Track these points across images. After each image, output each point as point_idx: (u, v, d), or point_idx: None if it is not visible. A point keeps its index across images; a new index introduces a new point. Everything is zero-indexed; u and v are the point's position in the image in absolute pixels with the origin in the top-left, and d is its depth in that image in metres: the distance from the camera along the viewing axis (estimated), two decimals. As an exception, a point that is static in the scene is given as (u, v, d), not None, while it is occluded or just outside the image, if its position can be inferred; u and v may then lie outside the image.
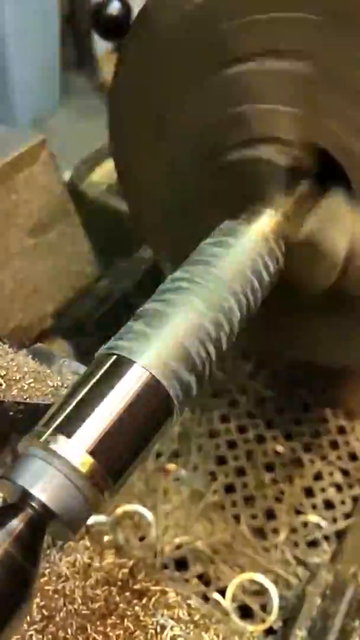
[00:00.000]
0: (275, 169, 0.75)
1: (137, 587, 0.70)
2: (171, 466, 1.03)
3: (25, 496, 0.48)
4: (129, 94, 0.82)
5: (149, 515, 0.94)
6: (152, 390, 0.55)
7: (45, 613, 0.66)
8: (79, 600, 0.67)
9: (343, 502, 1.00)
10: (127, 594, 0.69)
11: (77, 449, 0.50)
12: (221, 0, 0.70)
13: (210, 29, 0.71)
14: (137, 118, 0.83)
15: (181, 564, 0.91)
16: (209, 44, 0.72)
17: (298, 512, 0.99)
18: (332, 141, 0.70)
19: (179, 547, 0.92)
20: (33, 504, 0.48)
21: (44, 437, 0.51)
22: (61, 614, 0.66)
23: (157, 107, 0.80)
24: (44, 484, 0.49)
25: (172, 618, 0.67)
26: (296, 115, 0.70)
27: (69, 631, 0.65)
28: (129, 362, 0.55)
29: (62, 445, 0.50)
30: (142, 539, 0.93)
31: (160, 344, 0.57)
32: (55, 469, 0.49)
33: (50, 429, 0.52)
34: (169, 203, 0.89)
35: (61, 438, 0.51)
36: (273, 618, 0.85)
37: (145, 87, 0.80)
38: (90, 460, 0.50)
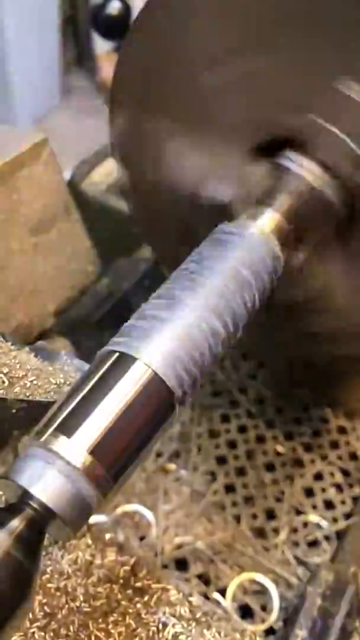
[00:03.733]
0: (272, 168, 0.75)
1: (138, 584, 0.70)
2: (171, 466, 1.03)
3: (26, 496, 0.49)
4: (130, 92, 0.82)
5: (149, 515, 0.94)
6: (155, 386, 0.55)
7: (47, 610, 0.66)
8: (81, 598, 0.68)
9: (343, 502, 1.00)
10: (129, 591, 0.69)
11: (77, 448, 0.50)
12: None
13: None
14: (138, 115, 0.83)
15: (181, 564, 0.91)
16: (196, 41, 0.72)
17: (298, 512, 0.99)
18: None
19: (179, 546, 0.92)
20: (33, 504, 0.48)
21: (44, 437, 0.51)
22: (63, 612, 0.66)
23: (159, 104, 0.80)
24: (44, 484, 0.49)
25: (173, 616, 0.68)
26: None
27: (71, 628, 0.65)
28: (132, 359, 0.56)
29: (62, 445, 0.50)
30: (142, 538, 0.93)
31: (163, 341, 0.57)
32: (55, 469, 0.49)
33: (51, 429, 0.52)
34: (168, 202, 0.89)
35: (62, 438, 0.51)
36: (273, 618, 0.85)
37: (147, 84, 0.80)
38: (90, 460, 0.50)
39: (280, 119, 0.72)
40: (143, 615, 0.67)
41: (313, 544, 0.96)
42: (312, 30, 0.65)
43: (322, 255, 0.78)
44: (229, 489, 1.01)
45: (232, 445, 1.07)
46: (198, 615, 0.68)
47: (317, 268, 0.79)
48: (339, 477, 1.03)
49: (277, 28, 0.67)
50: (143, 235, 1.06)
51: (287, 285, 0.73)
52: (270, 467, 1.04)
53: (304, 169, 0.73)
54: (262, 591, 0.88)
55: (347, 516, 0.98)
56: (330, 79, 0.66)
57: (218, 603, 0.86)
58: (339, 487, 1.02)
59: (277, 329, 0.91)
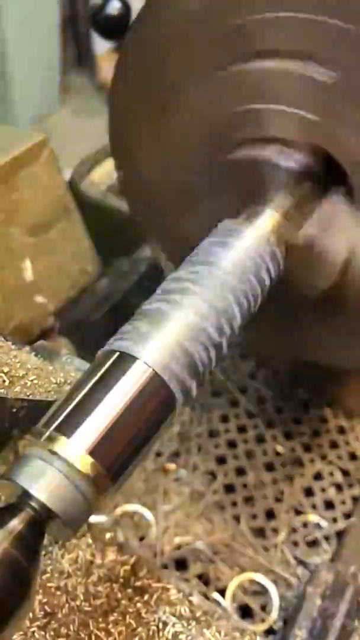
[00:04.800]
0: (278, 170, 0.75)
1: (138, 584, 0.70)
2: (171, 466, 1.03)
3: (25, 496, 0.49)
4: (130, 91, 0.82)
5: (149, 515, 0.94)
6: (155, 386, 0.55)
7: (48, 610, 0.66)
8: (81, 597, 0.68)
9: (343, 502, 1.00)
10: (129, 590, 0.70)
11: (77, 449, 0.50)
12: None
13: (224, 23, 0.70)
14: (138, 115, 0.83)
15: (181, 564, 0.91)
16: (221, 38, 0.71)
17: (298, 512, 0.99)
18: (342, 149, 0.69)
19: (179, 547, 0.92)
20: (33, 504, 0.48)
21: (44, 437, 0.51)
22: (63, 611, 0.67)
23: (159, 104, 0.80)
24: (43, 484, 0.49)
25: (173, 615, 0.68)
26: (308, 120, 0.70)
27: (71, 628, 0.65)
28: (132, 359, 0.56)
29: (62, 445, 0.50)
30: (142, 538, 0.93)
31: (163, 341, 0.57)
32: (55, 469, 0.49)
33: (51, 429, 0.52)
34: (169, 201, 0.89)
35: (61, 438, 0.51)
36: (273, 618, 0.85)
37: (147, 82, 0.80)
38: (90, 460, 0.50)
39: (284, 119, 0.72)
40: (143, 615, 0.68)
41: (313, 544, 0.96)
42: None
43: (333, 222, 0.76)
44: (229, 489, 1.01)
45: (231, 445, 1.07)
46: (198, 614, 0.68)
47: (335, 238, 0.77)
48: (338, 477, 1.03)
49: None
50: (142, 233, 1.06)
51: (287, 285, 0.73)
52: (269, 467, 1.04)
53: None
54: (262, 591, 0.88)
55: (347, 516, 0.98)
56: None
57: (218, 603, 0.86)
58: (338, 487, 1.02)
59: (278, 328, 0.91)
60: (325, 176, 0.74)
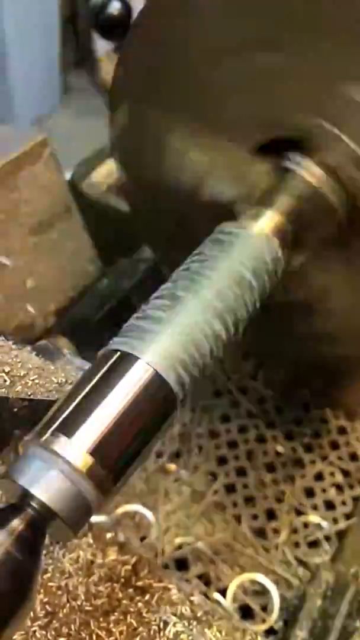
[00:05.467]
0: (274, 169, 0.75)
1: (139, 583, 0.70)
2: (172, 466, 1.03)
3: (26, 496, 0.48)
4: (131, 91, 0.82)
5: (149, 515, 0.94)
6: (156, 386, 0.55)
7: (49, 609, 0.66)
8: (82, 597, 0.68)
9: (344, 503, 1.00)
10: (130, 590, 0.69)
11: (77, 449, 0.50)
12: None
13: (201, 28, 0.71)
14: (139, 116, 0.83)
15: (182, 564, 0.91)
16: (201, 39, 0.72)
17: (299, 513, 0.99)
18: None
19: (179, 547, 0.92)
20: (33, 504, 0.48)
21: (44, 437, 0.51)
22: (64, 610, 0.67)
23: (160, 102, 0.80)
24: (44, 484, 0.49)
25: (174, 614, 0.68)
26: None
27: (72, 627, 0.65)
28: (133, 358, 0.56)
29: (62, 445, 0.50)
30: (142, 539, 0.93)
31: (164, 341, 0.57)
32: (56, 469, 0.49)
33: (51, 429, 0.52)
34: (168, 203, 0.89)
35: (62, 438, 0.51)
36: (274, 618, 0.85)
37: (148, 82, 0.80)
38: (90, 460, 0.50)
39: (286, 119, 0.72)
40: (144, 614, 0.68)
41: (313, 544, 0.95)
42: (321, 33, 0.65)
43: (322, 257, 0.77)
44: (230, 489, 1.01)
45: (232, 445, 1.07)
46: (199, 614, 0.68)
47: (318, 269, 0.79)
48: (339, 478, 1.03)
49: (287, 28, 0.67)
50: (143, 235, 1.06)
51: (288, 286, 0.73)
52: (270, 468, 1.04)
53: (307, 171, 0.73)
54: (263, 591, 0.88)
55: (348, 516, 0.98)
56: (339, 82, 0.66)
57: (219, 603, 0.86)
58: (339, 488, 1.02)
59: (278, 329, 0.91)
60: (339, 211, 0.74)
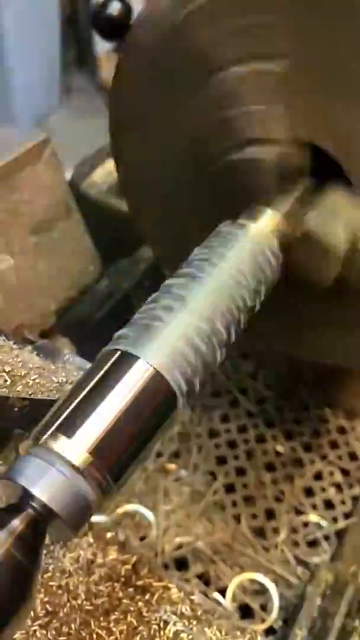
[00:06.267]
0: (271, 169, 0.75)
1: (140, 583, 0.70)
2: (171, 466, 1.03)
3: (26, 496, 0.49)
4: (128, 96, 0.83)
5: (149, 515, 0.95)
6: (156, 385, 0.55)
7: (49, 608, 0.66)
8: (83, 596, 0.68)
9: (343, 502, 1.00)
10: (130, 589, 0.70)
11: (77, 449, 0.50)
12: (199, 11, 0.71)
13: (192, 39, 0.73)
14: (139, 116, 0.83)
15: (182, 564, 0.91)
16: (193, 53, 0.74)
17: (298, 512, 0.99)
18: (323, 137, 0.70)
19: (179, 546, 0.92)
20: (34, 504, 0.48)
21: (45, 437, 0.51)
22: (65, 610, 0.67)
23: (155, 110, 0.81)
24: (44, 484, 0.49)
25: (175, 614, 0.68)
26: (280, 115, 0.71)
27: (73, 626, 0.66)
28: (133, 357, 0.56)
29: (62, 445, 0.50)
30: (142, 538, 0.93)
31: (164, 340, 0.57)
32: (55, 469, 0.49)
33: (52, 429, 0.52)
34: (168, 203, 0.89)
35: (62, 438, 0.51)
36: (273, 618, 0.85)
37: (143, 91, 0.80)
38: (91, 460, 0.50)
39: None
40: (144, 614, 0.68)
41: (313, 543, 0.96)
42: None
43: (333, 212, 0.76)
44: (229, 489, 1.01)
45: (232, 445, 1.07)
46: (199, 613, 0.68)
47: (336, 227, 0.76)
48: (338, 477, 1.03)
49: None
50: (143, 235, 1.06)
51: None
52: (270, 467, 1.04)
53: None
54: (262, 591, 0.88)
55: (347, 516, 0.98)
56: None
57: (218, 603, 0.86)
58: (338, 487, 1.02)
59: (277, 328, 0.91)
60: (322, 169, 0.74)
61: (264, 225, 0.70)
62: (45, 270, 1.01)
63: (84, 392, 0.54)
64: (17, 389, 0.62)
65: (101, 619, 0.67)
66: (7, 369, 0.63)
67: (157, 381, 0.55)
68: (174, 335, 0.58)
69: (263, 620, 0.85)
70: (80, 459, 0.50)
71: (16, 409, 0.62)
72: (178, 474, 1.02)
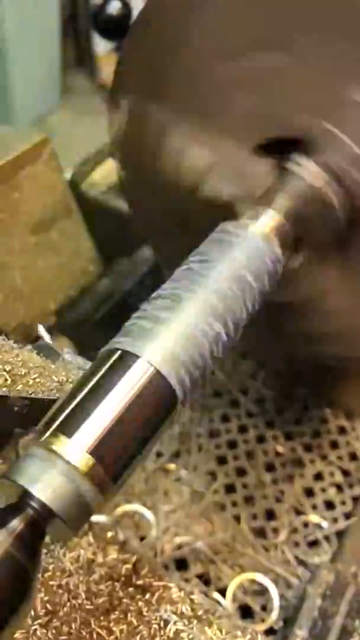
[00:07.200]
0: (275, 169, 0.75)
1: (140, 582, 0.70)
2: (171, 466, 1.03)
3: (26, 496, 0.49)
4: (131, 91, 0.82)
5: (149, 515, 0.94)
6: (156, 384, 0.55)
7: (50, 608, 0.66)
8: (83, 595, 0.68)
9: (343, 502, 1.00)
10: (131, 589, 0.70)
11: (77, 449, 0.50)
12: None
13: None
14: (140, 116, 0.83)
15: (182, 564, 0.91)
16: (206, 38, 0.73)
17: (298, 512, 0.99)
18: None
19: (179, 547, 0.92)
20: (33, 504, 0.48)
21: (45, 437, 0.51)
22: (65, 609, 0.67)
23: (161, 99, 0.80)
24: (44, 484, 0.49)
25: (175, 613, 0.68)
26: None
27: (73, 626, 0.66)
28: (133, 357, 0.55)
29: (62, 445, 0.50)
30: (142, 538, 0.93)
31: (165, 339, 0.57)
32: (55, 469, 0.49)
33: (51, 429, 0.52)
34: (169, 202, 0.89)
35: (62, 438, 0.51)
36: (273, 618, 0.85)
37: (149, 79, 0.80)
38: (90, 460, 0.50)
39: (288, 119, 0.72)
40: (144, 613, 0.68)
41: (313, 544, 0.96)
42: (325, 35, 0.65)
43: (320, 258, 0.77)
44: (229, 489, 1.01)
45: (232, 445, 1.07)
46: (199, 612, 0.68)
47: (315, 271, 0.79)
48: (339, 477, 1.03)
49: (291, 28, 0.67)
50: (143, 234, 1.06)
51: (284, 286, 0.73)
52: (270, 467, 1.04)
53: (307, 171, 0.73)
54: (262, 591, 0.88)
55: (347, 516, 0.98)
56: (340, 83, 0.66)
57: (218, 603, 0.86)
58: (339, 487, 1.02)
59: (275, 328, 0.91)
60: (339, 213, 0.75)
61: (264, 225, 0.70)
62: (45, 270, 1.01)
63: (85, 392, 0.54)
64: (17, 388, 0.62)
65: (101, 618, 0.67)
66: (7, 368, 0.63)
67: (157, 380, 0.55)
68: (174, 334, 0.58)
69: (263, 621, 0.85)
70: (80, 459, 0.50)
71: (16, 409, 0.62)
72: (178, 474, 1.02)
